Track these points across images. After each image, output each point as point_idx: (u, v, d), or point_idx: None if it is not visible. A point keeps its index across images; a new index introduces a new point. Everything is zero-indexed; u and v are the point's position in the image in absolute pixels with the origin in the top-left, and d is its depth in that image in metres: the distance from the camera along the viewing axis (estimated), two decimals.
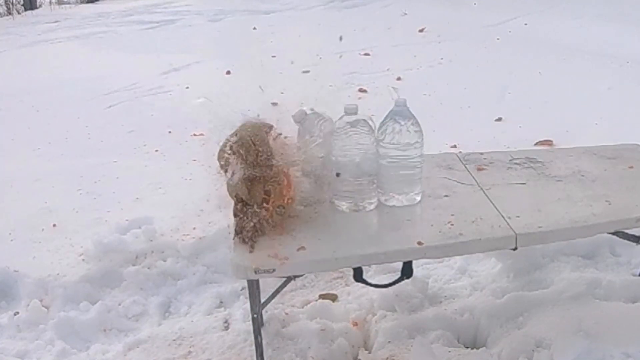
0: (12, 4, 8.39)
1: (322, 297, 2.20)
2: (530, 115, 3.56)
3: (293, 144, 1.64)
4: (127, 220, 2.51)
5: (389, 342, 1.92)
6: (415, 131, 1.69)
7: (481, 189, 1.84)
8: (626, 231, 1.77)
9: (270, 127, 1.61)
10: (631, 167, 1.96)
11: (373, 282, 1.82)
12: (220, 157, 1.64)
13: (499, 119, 3.53)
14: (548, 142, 3.05)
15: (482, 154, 2.08)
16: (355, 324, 2.06)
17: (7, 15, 8.10)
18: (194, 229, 2.46)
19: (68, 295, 2.18)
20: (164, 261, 2.34)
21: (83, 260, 2.32)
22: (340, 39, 4.69)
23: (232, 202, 1.63)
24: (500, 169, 1.97)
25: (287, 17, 6.68)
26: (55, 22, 7.09)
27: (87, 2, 8.85)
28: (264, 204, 1.59)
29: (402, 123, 1.67)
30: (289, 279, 1.72)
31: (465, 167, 1.98)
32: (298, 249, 1.56)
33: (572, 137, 2.97)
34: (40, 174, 3.02)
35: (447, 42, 5.20)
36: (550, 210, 1.71)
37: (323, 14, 6.68)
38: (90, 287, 2.23)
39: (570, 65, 4.45)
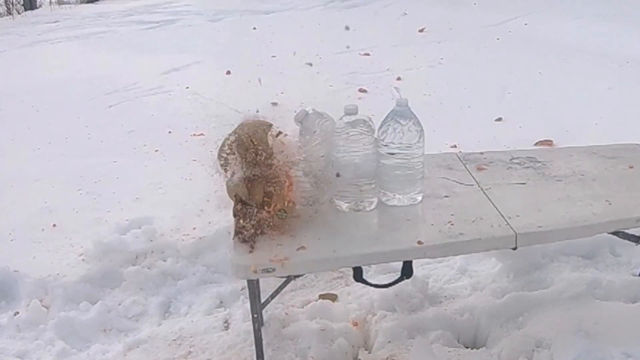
0: (12, 4, 8.39)
1: (322, 297, 2.20)
2: (530, 115, 3.56)
3: (294, 143, 1.64)
4: (127, 220, 2.51)
5: (389, 342, 1.92)
6: (417, 131, 1.69)
7: (481, 188, 1.84)
8: (626, 231, 1.77)
9: (270, 125, 1.61)
10: (631, 167, 1.96)
11: (373, 282, 1.82)
12: (219, 156, 1.64)
13: (499, 119, 3.53)
14: (548, 142, 3.05)
15: (482, 153, 2.08)
16: (355, 324, 2.06)
17: (7, 15, 8.09)
18: (194, 229, 2.46)
19: (68, 295, 2.18)
20: (164, 261, 2.34)
21: (83, 260, 2.32)
22: (347, 28, 4.67)
23: (232, 202, 1.63)
24: (500, 168, 1.97)
25: (287, 17, 6.67)
26: (55, 22, 7.08)
27: (87, 2, 8.84)
28: (266, 207, 1.58)
29: (403, 123, 1.68)
30: (289, 279, 1.72)
31: (465, 167, 1.98)
32: (298, 249, 1.56)
33: (572, 137, 2.97)
34: (40, 174, 3.02)
35: (447, 42, 5.20)
36: (550, 210, 1.72)
37: (323, 14, 6.68)
38: (90, 287, 2.23)
39: (570, 65, 4.45)
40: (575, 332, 1.79)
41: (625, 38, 4.94)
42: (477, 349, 1.93)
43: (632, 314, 1.92)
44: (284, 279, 1.73)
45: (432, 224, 1.66)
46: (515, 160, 2.02)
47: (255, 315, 1.66)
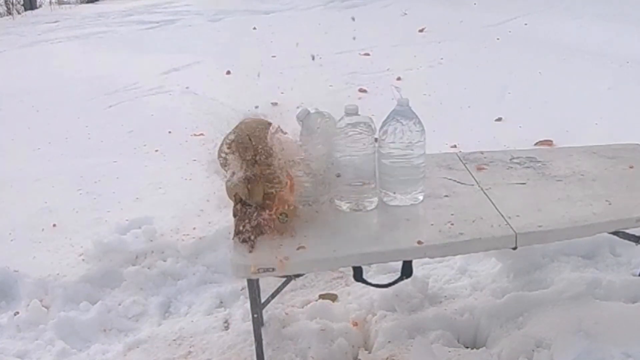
0: (12, 4, 8.39)
1: (322, 297, 2.20)
2: (530, 115, 3.56)
3: (294, 142, 1.64)
4: (127, 220, 2.51)
5: (389, 342, 1.92)
6: (417, 131, 1.69)
7: (481, 188, 1.84)
8: (626, 231, 1.77)
9: (269, 124, 1.61)
10: (631, 167, 1.96)
11: (373, 282, 1.82)
12: (219, 156, 1.64)
13: (499, 119, 3.53)
14: (548, 142, 3.05)
15: (482, 153, 2.08)
16: (355, 324, 2.06)
17: (7, 15, 8.09)
18: (194, 229, 2.46)
19: (68, 295, 2.18)
20: (164, 261, 2.34)
21: (83, 260, 2.32)
22: (353, 19, 4.66)
23: (232, 202, 1.63)
24: (500, 168, 1.97)
25: (287, 17, 6.68)
26: (55, 22, 7.09)
27: (87, 2, 8.85)
28: (267, 211, 1.58)
29: (404, 123, 1.68)
30: (289, 279, 1.72)
31: (465, 167, 1.98)
32: (298, 248, 1.56)
33: (572, 137, 2.97)
34: (40, 174, 3.02)
35: (447, 42, 5.20)
36: (550, 209, 1.72)
37: (323, 14, 6.68)
38: (90, 287, 2.23)
39: (570, 65, 4.45)
40: (575, 332, 1.79)
41: (625, 38, 4.94)
42: (477, 349, 1.93)
43: (632, 314, 1.92)
44: (284, 279, 1.73)
45: (432, 224, 1.66)
46: (515, 160, 2.02)
47: (255, 315, 1.66)
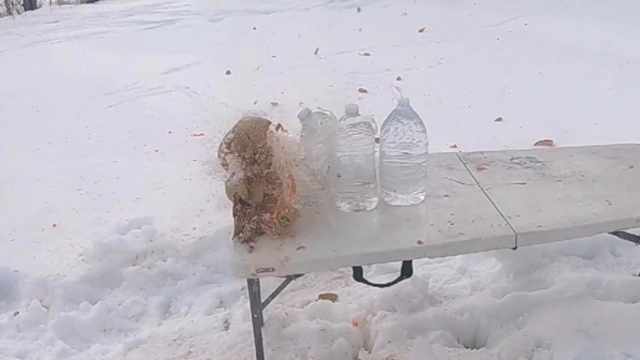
0: (12, 4, 8.39)
1: (322, 297, 2.20)
2: (530, 115, 3.56)
3: (294, 142, 1.64)
4: (127, 220, 2.51)
5: (389, 342, 1.92)
6: (419, 131, 1.69)
7: (481, 188, 1.84)
8: (626, 231, 1.77)
9: (268, 122, 1.61)
10: (631, 167, 1.96)
11: (373, 282, 1.82)
12: (218, 155, 1.64)
13: (499, 119, 3.53)
14: (548, 142, 3.05)
15: (482, 153, 2.08)
16: (355, 324, 2.06)
17: (7, 15, 8.09)
18: (194, 229, 2.46)
19: (68, 295, 2.18)
20: (164, 261, 2.34)
21: (83, 260, 2.32)
22: (359, 10, 4.65)
23: (232, 202, 1.63)
24: (500, 168, 1.97)
25: (287, 17, 6.67)
26: (55, 22, 7.08)
27: (87, 2, 8.84)
28: (269, 214, 1.58)
29: (405, 122, 1.68)
30: (289, 279, 1.72)
31: (465, 167, 1.98)
32: (298, 248, 1.56)
33: (572, 137, 2.97)
34: (40, 174, 3.02)
35: (447, 42, 5.20)
36: (550, 209, 1.72)
37: (323, 14, 6.68)
38: (90, 287, 2.23)
39: (570, 65, 4.45)
40: (575, 332, 1.79)
41: (625, 38, 4.94)
42: (477, 349, 1.93)
43: (632, 314, 1.92)
44: (284, 279, 1.73)
45: (432, 224, 1.66)
46: (515, 160, 2.02)
47: (255, 315, 1.66)
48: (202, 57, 5.10)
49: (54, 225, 2.54)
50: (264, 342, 1.73)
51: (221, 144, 1.62)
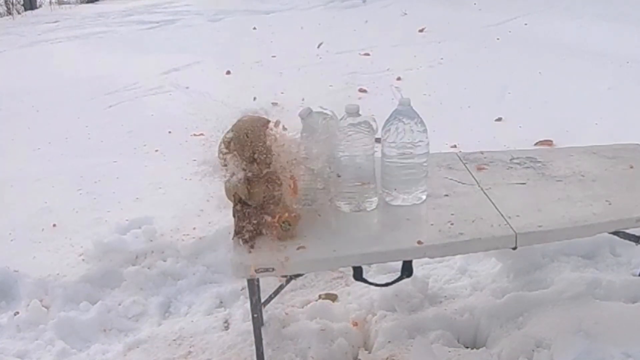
0: (12, 4, 8.39)
1: (322, 297, 2.20)
2: (530, 115, 3.56)
3: (295, 141, 1.64)
4: (127, 220, 2.51)
5: (389, 342, 1.92)
6: (419, 131, 1.69)
7: (481, 188, 1.84)
8: (626, 231, 1.78)
9: (267, 121, 1.61)
10: (631, 167, 1.96)
11: (373, 282, 1.82)
12: (218, 155, 1.63)
13: (499, 119, 3.53)
14: (548, 142, 3.05)
15: (482, 153, 2.08)
16: (355, 324, 2.06)
17: (7, 15, 8.09)
18: (194, 229, 2.46)
19: (68, 295, 2.18)
20: (164, 261, 2.34)
21: (83, 260, 2.32)
22: (364, 1, 4.64)
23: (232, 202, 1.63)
24: (500, 168, 1.97)
25: (287, 17, 6.67)
26: (55, 22, 7.09)
27: (87, 2, 8.85)
28: (271, 217, 1.58)
29: (407, 122, 1.68)
30: (289, 279, 1.72)
31: (466, 167, 1.98)
32: (298, 248, 1.56)
33: (572, 137, 2.97)
34: (40, 174, 3.02)
35: (447, 42, 5.20)
36: (550, 209, 1.72)
37: (323, 14, 6.68)
38: (90, 287, 2.23)
39: (570, 65, 4.45)
40: (575, 332, 1.79)
41: (625, 38, 4.94)
42: (477, 349, 1.93)
43: (632, 314, 1.92)
44: (284, 279, 1.73)
45: (432, 224, 1.66)
46: (515, 160, 2.02)
47: (255, 315, 1.66)
48: (202, 57, 5.10)
49: (54, 225, 2.54)
50: (264, 342, 1.73)
51: (220, 143, 1.62)
